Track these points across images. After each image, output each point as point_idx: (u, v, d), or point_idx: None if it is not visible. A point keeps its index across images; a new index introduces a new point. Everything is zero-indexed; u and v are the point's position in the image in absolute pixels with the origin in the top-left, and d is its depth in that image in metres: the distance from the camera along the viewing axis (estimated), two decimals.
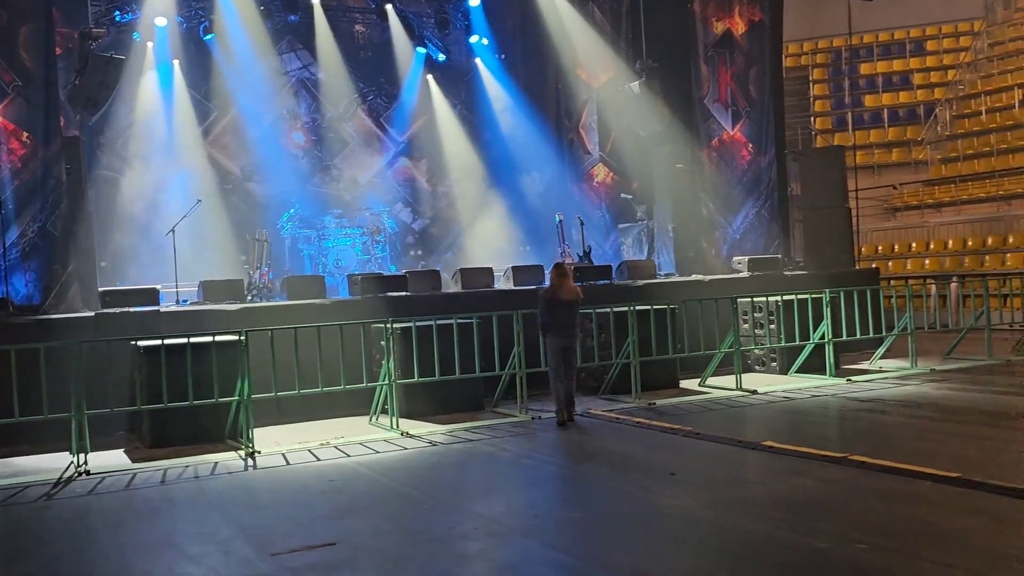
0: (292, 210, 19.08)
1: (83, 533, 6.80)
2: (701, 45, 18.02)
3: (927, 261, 21.57)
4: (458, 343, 10.84)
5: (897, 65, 29.27)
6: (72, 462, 9.20)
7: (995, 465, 7.11)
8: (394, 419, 10.40)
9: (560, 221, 18.18)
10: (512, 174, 20.83)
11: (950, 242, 21.75)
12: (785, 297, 13.21)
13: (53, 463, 9.53)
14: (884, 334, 13.86)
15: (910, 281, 19.16)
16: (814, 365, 13.31)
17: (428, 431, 10.22)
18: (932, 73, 28.39)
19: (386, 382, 10.55)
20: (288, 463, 8.93)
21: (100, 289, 11.57)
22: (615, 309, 12.16)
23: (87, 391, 9.16)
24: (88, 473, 8.81)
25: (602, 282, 14.78)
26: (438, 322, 10.80)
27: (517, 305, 12.11)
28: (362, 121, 21.07)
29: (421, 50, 20.59)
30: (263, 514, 7.06)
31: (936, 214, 23.06)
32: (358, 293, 13.17)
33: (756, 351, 13.97)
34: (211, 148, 19.30)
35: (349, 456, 9.11)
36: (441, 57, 21.23)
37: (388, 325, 10.50)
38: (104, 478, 8.64)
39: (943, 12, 29.93)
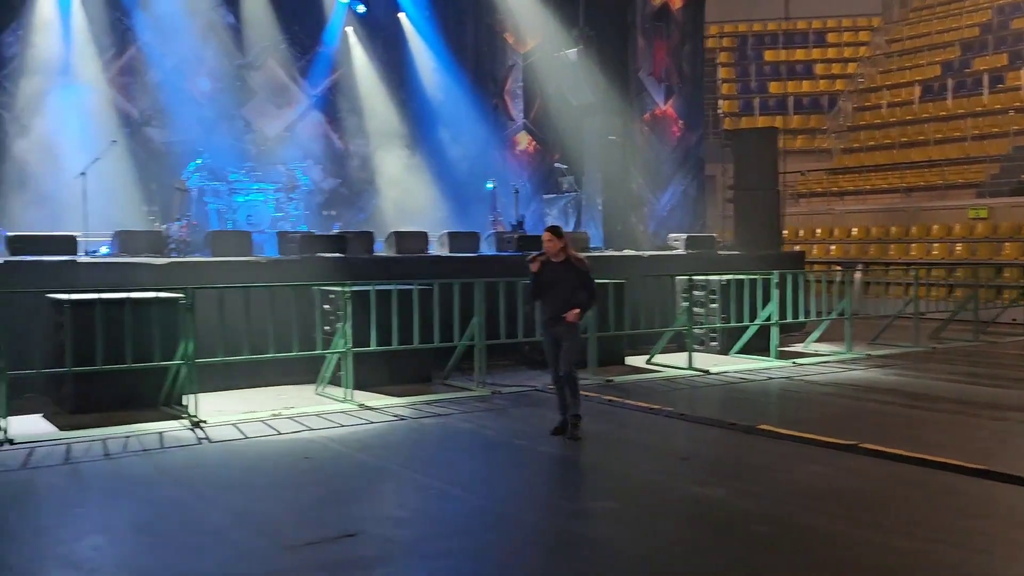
0: (200, 160, 17.70)
1: (42, 518, 5.84)
2: (640, 16, 17.70)
3: (832, 247, 22.06)
4: (418, 310, 10.15)
5: (800, 54, 29.86)
6: None
7: (1013, 456, 7.04)
8: (349, 390, 9.65)
9: (493, 188, 17.55)
10: (432, 136, 20.01)
11: (854, 230, 22.30)
12: (738, 277, 13.04)
13: None
14: (823, 317, 13.92)
15: (815, 267, 19.59)
16: (753, 346, 13.26)
17: (386, 403, 9.52)
18: (833, 65, 29.09)
19: (341, 349, 9.77)
20: (245, 436, 8.08)
21: (7, 234, 10.26)
22: None
23: None
24: (12, 443, 7.72)
25: (536, 253, 14.25)
26: (399, 288, 10.06)
27: (453, 273, 11.54)
28: (273, 71, 19.77)
29: (343, 0, 19.46)
30: (250, 497, 6.25)
31: (840, 202, 23.62)
32: (293, 252, 12.24)
33: (696, 331, 13.78)
34: (108, 87, 17.69)
35: (312, 429, 8.33)
36: (361, 9, 20.10)
37: (345, 288, 9.70)
38: (34, 449, 7.59)
39: (843, 6, 30.72)
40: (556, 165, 17.83)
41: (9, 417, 8.18)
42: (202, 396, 9.05)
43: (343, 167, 20.11)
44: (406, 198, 19.49)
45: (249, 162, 18.18)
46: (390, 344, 10.04)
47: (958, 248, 19.78)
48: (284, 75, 19.85)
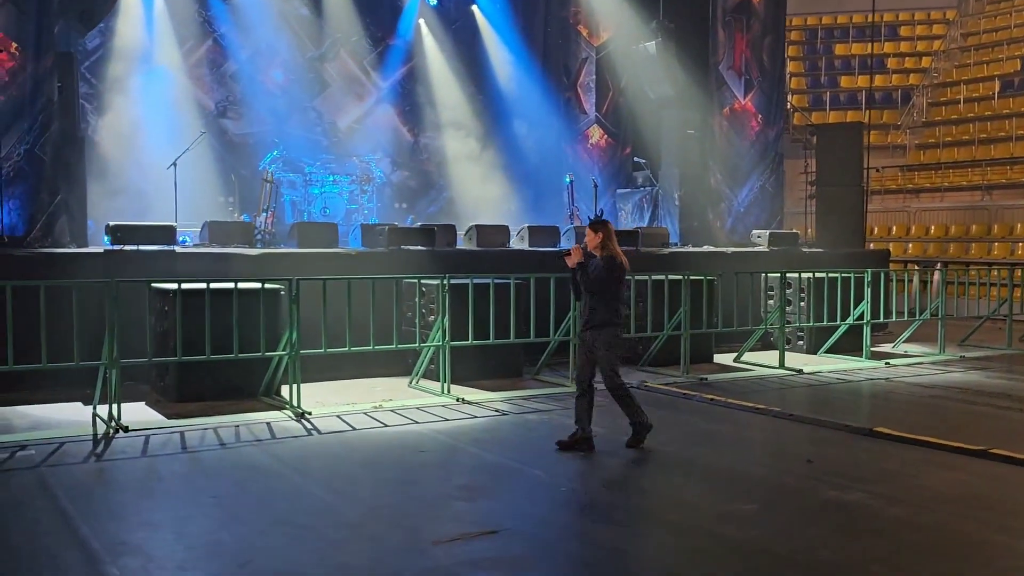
0: (276, 152, 17.79)
1: (179, 507, 5.83)
2: (720, 9, 17.40)
3: (910, 246, 21.57)
4: (514, 304, 10.06)
5: (872, 48, 29.20)
6: (97, 416, 8.14)
7: None
8: (446, 384, 9.58)
9: (571, 181, 17.38)
10: (504, 129, 19.84)
11: (932, 228, 21.79)
12: (829, 274, 12.74)
13: (67, 415, 8.48)
14: (916, 318, 13.56)
15: (894, 266, 19.13)
16: (841, 346, 12.97)
17: (483, 398, 9.43)
18: (907, 59, 28.45)
19: (437, 343, 9.69)
20: (353, 428, 8.03)
21: (111, 223, 10.35)
22: (654, 277, 11.54)
23: (95, 336, 8.05)
24: (126, 430, 7.75)
25: (625, 248, 14.08)
26: (495, 281, 9.96)
27: (536, 267, 11.39)
28: (345, 63, 19.78)
29: None
30: (377, 491, 6.19)
31: (916, 199, 23.10)
32: (378, 244, 12.21)
33: (766, 329, 13.49)
34: (186, 78, 17.82)
35: (418, 423, 8.26)
36: (434, 1, 20.04)
37: (443, 281, 9.62)
38: (148, 436, 7.61)
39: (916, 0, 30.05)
40: (635, 160, 17.59)
41: (112, 405, 8.26)
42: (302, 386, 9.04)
43: (413, 159, 20.05)
44: (477, 191, 19.38)
45: (324, 154, 18.23)
46: (486, 338, 9.94)
47: None
48: (356, 67, 19.84)
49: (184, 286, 8.53)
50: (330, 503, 5.86)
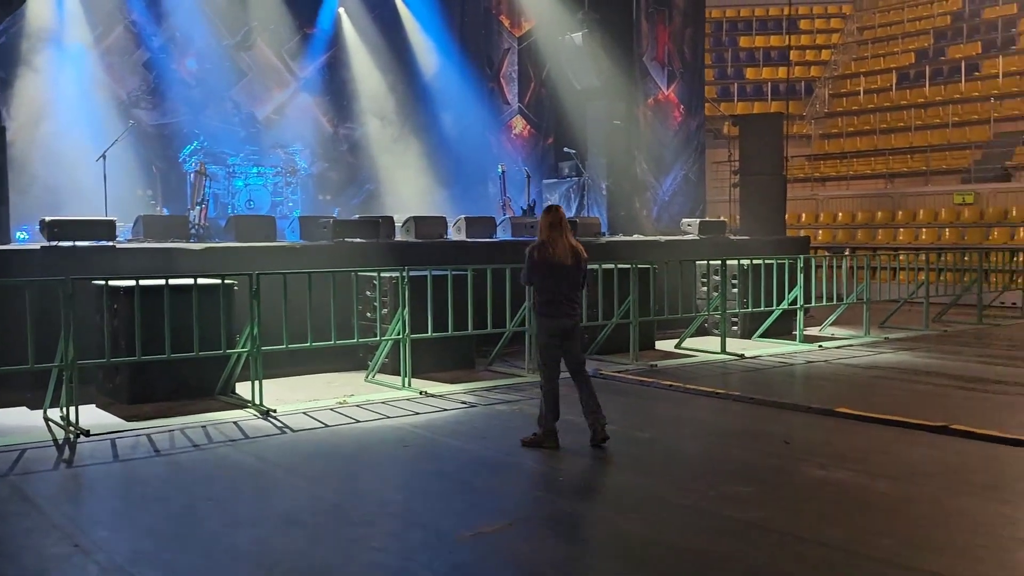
0: (196, 143, 17.25)
1: (186, 511, 5.63)
2: (643, 0, 17.69)
3: (819, 233, 22.38)
4: (472, 296, 10.03)
5: (774, 41, 30.17)
6: (50, 420, 7.81)
7: None
8: (406, 378, 9.50)
9: (503, 172, 17.40)
10: (427, 120, 19.70)
11: (839, 215, 22.66)
12: (767, 261, 13.12)
13: (14, 421, 8.12)
14: (841, 302, 14.09)
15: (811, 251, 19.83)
16: (771, 330, 13.41)
17: (446, 391, 9.39)
18: (807, 52, 29.45)
19: (397, 336, 9.59)
20: (326, 425, 7.89)
21: (46, 219, 9.83)
22: (604, 266, 11.74)
23: (37, 337, 7.68)
24: (88, 434, 7.43)
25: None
26: (453, 273, 9.92)
27: (479, 258, 11.42)
28: (262, 52, 19.28)
29: None
30: (377, 486, 6.10)
31: (822, 188, 23.97)
32: (321, 237, 11.99)
33: (715, 316, 13.86)
34: (96, 68, 17.10)
35: (389, 417, 8.17)
36: None
37: (403, 273, 9.52)
38: (113, 440, 7.31)
39: None
40: (565, 149, 17.72)
41: (57, 408, 7.94)
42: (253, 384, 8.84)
43: (334, 151, 19.72)
44: (402, 182, 19.21)
45: (247, 145, 17.78)
46: (443, 330, 9.89)
47: (946, 233, 20.22)
48: (274, 56, 19.39)
49: (143, 283, 8.19)
50: (334, 502, 5.76)
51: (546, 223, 7.14)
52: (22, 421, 8.08)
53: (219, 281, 8.55)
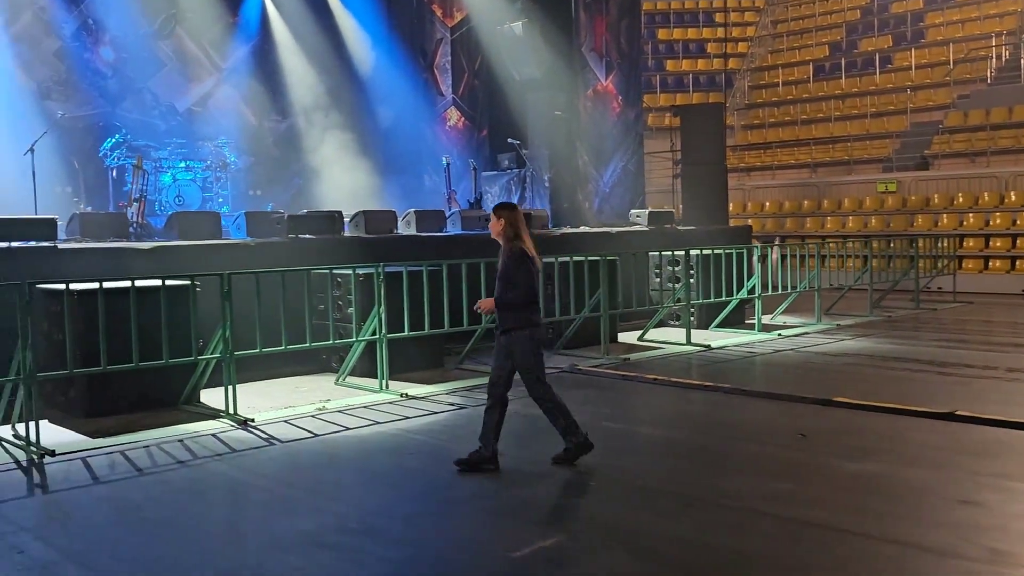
0: (117, 136, 16.29)
1: (200, 537, 5.10)
2: None
3: (749, 222, 22.61)
4: (447, 292, 9.63)
5: (692, 33, 30.47)
6: (2, 440, 7.13)
7: None
8: (384, 380, 9.05)
9: (448, 164, 16.96)
10: (359, 112, 19.07)
11: (767, 204, 22.98)
12: (718, 251, 13.07)
13: None
14: (794, 291, 14.16)
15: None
16: (729, 320, 13.42)
17: (427, 392, 8.99)
18: (726, 44, 29.80)
19: (373, 336, 9.13)
20: (314, 434, 7.40)
21: None
22: (560, 259, 11.46)
23: None
24: (54, 454, 6.78)
25: None
26: (428, 268, 9.49)
27: (434, 253, 11.06)
28: (181, 41, 18.38)
29: None
30: (403, 501, 5.65)
31: (748, 177, 24.29)
32: (272, 234, 11.39)
33: (672, 307, 13.77)
34: (2, 57, 15.97)
35: (379, 423, 7.73)
36: None
37: (379, 270, 9.06)
38: (84, 460, 6.67)
39: None
40: (509, 140, 17.38)
41: (7, 424, 7.29)
42: (216, 392, 8.29)
43: (259, 144, 18.93)
44: (335, 175, 18.57)
45: (173, 138, 16.88)
46: (418, 328, 9.47)
47: (872, 221, 20.69)
48: (194, 45, 18.49)
49: (110, 285, 7.53)
50: (357, 518, 5.32)
51: (517, 219, 6.32)
52: None
53: (187, 283, 7.92)
